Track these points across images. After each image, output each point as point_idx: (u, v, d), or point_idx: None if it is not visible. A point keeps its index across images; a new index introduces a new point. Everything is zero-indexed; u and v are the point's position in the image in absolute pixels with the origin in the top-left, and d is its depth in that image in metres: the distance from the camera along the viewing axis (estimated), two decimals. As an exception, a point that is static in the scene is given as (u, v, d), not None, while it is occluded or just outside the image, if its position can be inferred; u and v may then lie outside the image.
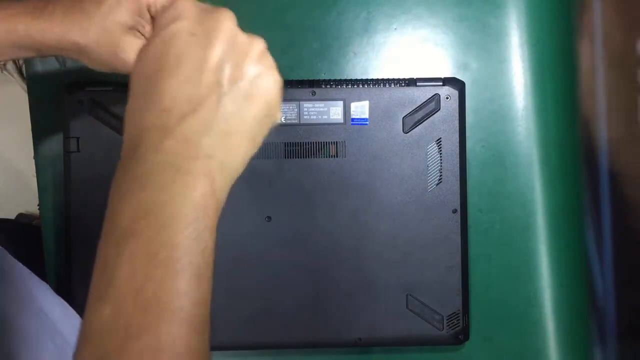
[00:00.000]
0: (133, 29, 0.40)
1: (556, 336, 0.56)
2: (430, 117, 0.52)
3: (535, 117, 0.56)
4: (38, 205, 0.56)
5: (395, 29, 0.56)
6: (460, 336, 0.53)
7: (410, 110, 0.52)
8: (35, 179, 0.56)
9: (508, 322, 0.56)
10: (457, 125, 0.52)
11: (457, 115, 0.52)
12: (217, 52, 0.29)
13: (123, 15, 0.39)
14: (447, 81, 0.52)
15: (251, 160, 0.31)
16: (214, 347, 0.54)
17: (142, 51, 0.30)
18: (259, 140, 0.31)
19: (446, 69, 0.56)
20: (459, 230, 0.52)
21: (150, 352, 0.25)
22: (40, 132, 0.55)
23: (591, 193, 0.57)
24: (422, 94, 0.52)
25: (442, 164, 0.52)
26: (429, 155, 0.52)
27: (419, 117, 0.52)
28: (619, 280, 0.56)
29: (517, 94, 0.56)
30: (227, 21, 0.30)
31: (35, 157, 0.56)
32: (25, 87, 0.56)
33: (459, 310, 0.52)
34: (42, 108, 0.55)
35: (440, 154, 0.52)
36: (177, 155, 0.28)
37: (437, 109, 0.52)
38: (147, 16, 0.40)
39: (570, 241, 0.57)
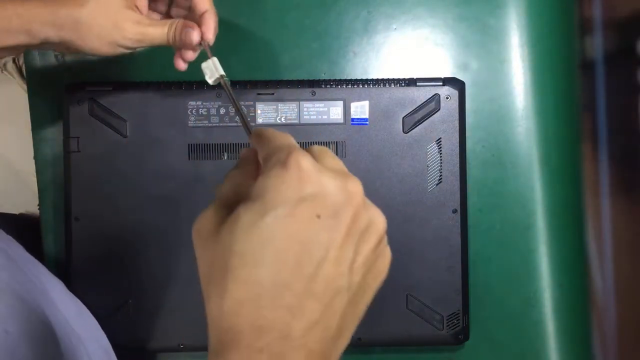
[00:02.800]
0: (131, 3, 0.40)
1: (556, 336, 0.56)
2: (430, 117, 0.52)
3: (535, 117, 0.56)
4: (38, 205, 0.56)
5: (395, 29, 0.56)
6: (460, 336, 0.53)
7: (410, 110, 0.52)
8: (35, 179, 0.56)
9: (508, 322, 0.56)
10: (457, 125, 0.52)
11: (457, 115, 0.52)
12: (348, 250, 0.24)
13: None
14: (447, 81, 0.52)
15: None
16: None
17: (247, 221, 0.23)
18: (359, 320, 0.27)
19: (446, 69, 0.56)
20: (459, 230, 0.52)
21: None
22: (40, 132, 0.55)
23: (592, 192, 0.57)
24: (422, 94, 0.52)
25: (442, 164, 0.52)
26: (429, 155, 0.52)
27: (419, 117, 0.52)
28: (619, 280, 0.56)
29: (517, 94, 0.56)
30: (358, 199, 0.25)
31: (35, 157, 0.56)
32: (25, 87, 0.56)
33: (459, 310, 0.52)
34: (42, 108, 0.55)
35: (440, 154, 0.52)
36: None
37: (437, 109, 0.52)
38: None
39: (570, 241, 0.57)
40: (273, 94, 0.52)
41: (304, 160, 0.24)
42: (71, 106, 0.51)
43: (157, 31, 0.42)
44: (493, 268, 0.55)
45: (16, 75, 0.95)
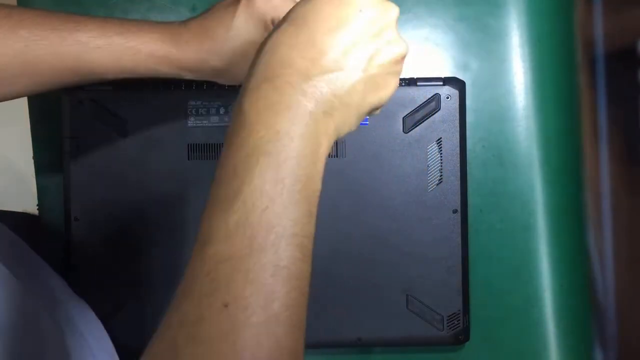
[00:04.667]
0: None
1: (556, 336, 0.55)
2: (431, 117, 0.52)
3: (536, 117, 0.55)
4: (38, 205, 0.56)
5: (396, 28, 0.55)
6: (461, 336, 0.52)
7: (411, 110, 0.52)
8: (35, 179, 0.56)
9: (508, 323, 0.56)
10: (458, 125, 0.52)
11: (457, 115, 0.52)
12: (375, 42, 0.32)
13: (252, 34, 0.41)
14: (447, 81, 0.52)
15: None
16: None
17: (305, 2, 0.31)
18: (356, 125, 0.33)
19: (446, 69, 0.56)
20: (459, 231, 0.52)
21: (272, 268, 0.26)
22: (40, 131, 0.55)
23: (592, 192, 0.57)
24: (422, 94, 0.52)
25: (442, 164, 0.52)
26: (429, 155, 0.52)
27: (419, 117, 0.52)
28: (619, 281, 0.56)
29: (517, 94, 0.56)
30: (393, 16, 0.33)
31: (35, 157, 0.55)
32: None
33: (459, 310, 0.52)
34: (42, 108, 0.55)
35: (441, 154, 0.52)
36: (310, 104, 0.29)
37: (437, 108, 0.52)
38: (271, 28, 0.41)
39: (571, 241, 0.57)
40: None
41: None
42: (71, 106, 0.51)
43: None
44: (493, 268, 0.55)
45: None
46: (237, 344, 0.25)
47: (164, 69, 0.41)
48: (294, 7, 0.32)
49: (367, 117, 0.35)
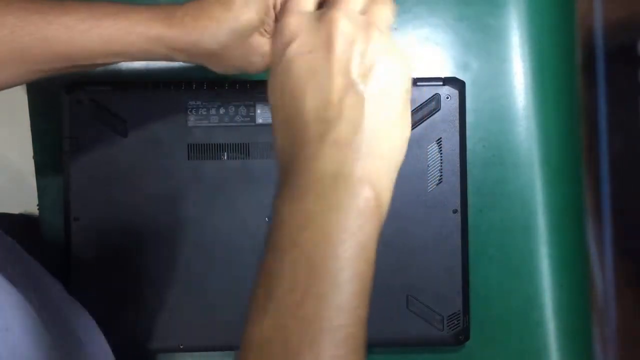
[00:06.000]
0: (260, 28, 0.40)
1: (557, 336, 0.55)
2: (431, 117, 0.52)
3: (536, 117, 0.55)
4: (38, 205, 0.56)
5: (395, 28, 0.55)
6: (461, 337, 0.52)
7: (411, 110, 0.52)
8: (35, 179, 0.56)
9: (508, 323, 0.56)
10: (458, 125, 0.52)
11: (457, 115, 0.52)
12: (338, 57, 0.29)
13: (251, 17, 0.39)
14: (447, 81, 0.52)
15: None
16: (218, 347, 0.54)
17: (271, 86, 0.31)
18: (407, 130, 0.31)
19: (446, 69, 0.56)
20: (459, 231, 0.52)
21: None
22: (39, 131, 0.55)
23: (592, 192, 0.57)
24: (422, 94, 0.52)
25: (443, 164, 0.52)
26: (429, 155, 0.52)
27: (419, 117, 0.52)
28: (619, 281, 0.56)
29: (518, 94, 0.56)
30: (338, 22, 0.30)
31: (35, 157, 0.55)
32: (25, 86, 0.56)
33: (459, 310, 0.52)
34: (42, 108, 0.55)
35: (441, 153, 0.52)
36: (333, 160, 0.28)
37: (437, 108, 0.52)
38: (272, 14, 0.40)
39: (571, 241, 0.57)
40: (273, 93, 0.52)
41: (290, 19, 0.32)
42: (70, 106, 0.51)
43: None
44: (493, 268, 0.55)
45: (16, 75, 0.94)
46: None
47: (156, 49, 0.39)
48: (269, 86, 0.31)
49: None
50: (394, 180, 0.30)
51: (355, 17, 0.31)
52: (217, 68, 0.42)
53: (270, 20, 0.40)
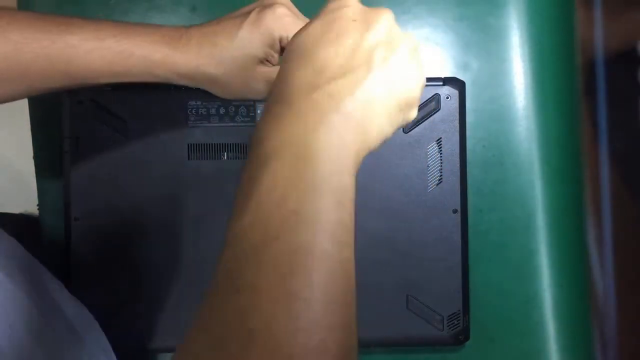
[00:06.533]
0: (263, 59, 0.41)
1: (556, 336, 0.55)
2: (431, 117, 0.52)
3: (536, 117, 0.55)
4: (38, 205, 0.56)
5: (396, 28, 0.55)
6: (461, 337, 0.52)
7: (411, 110, 0.52)
8: (35, 179, 0.56)
9: (508, 323, 0.56)
10: (458, 125, 0.52)
11: (457, 115, 0.52)
12: (373, 37, 0.32)
13: (255, 48, 0.40)
14: (447, 81, 0.52)
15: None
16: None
17: (302, 29, 0.32)
18: (390, 128, 0.33)
19: (446, 69, 0.56)
20: (459, 231, 0.52)
21: (287, 251, 0.26)
22: (40, 131, 0.55)
23: (592, 192, 0.57)
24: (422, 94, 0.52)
25: (442, 164, 0.52)
26: (429, 155, 0.52)
27: (419, 117, 0.52)
28: (619, 281, 0.56)
29: (518, 94, 0.56)
30: (386, 15, 0.33)
31: (35, 157, 0.55)
32: (25, 87, 0.56)
33: (459, 310, 0.52)
34: (42, 108, 0.55)
35: (441, 154, 0.52)
36: (321, 106, 0.29)
37: (437, 108, 0.52)
38: (278, 47, 0.41)
39: (571, 241, 0.57)
40: (273, 93, 0.52)
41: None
42: (71, 106, 0.51)
43: None
44: (493, 268, 0.55)
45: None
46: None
47: (158, 73, 0.40)
48: (292, 38, 0.32)
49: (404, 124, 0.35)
50: (366, 152, 0.32)
51: (399, 30, 0.34)
52: (220, 93, 0.43)
53: (275, 54, 0.41)
